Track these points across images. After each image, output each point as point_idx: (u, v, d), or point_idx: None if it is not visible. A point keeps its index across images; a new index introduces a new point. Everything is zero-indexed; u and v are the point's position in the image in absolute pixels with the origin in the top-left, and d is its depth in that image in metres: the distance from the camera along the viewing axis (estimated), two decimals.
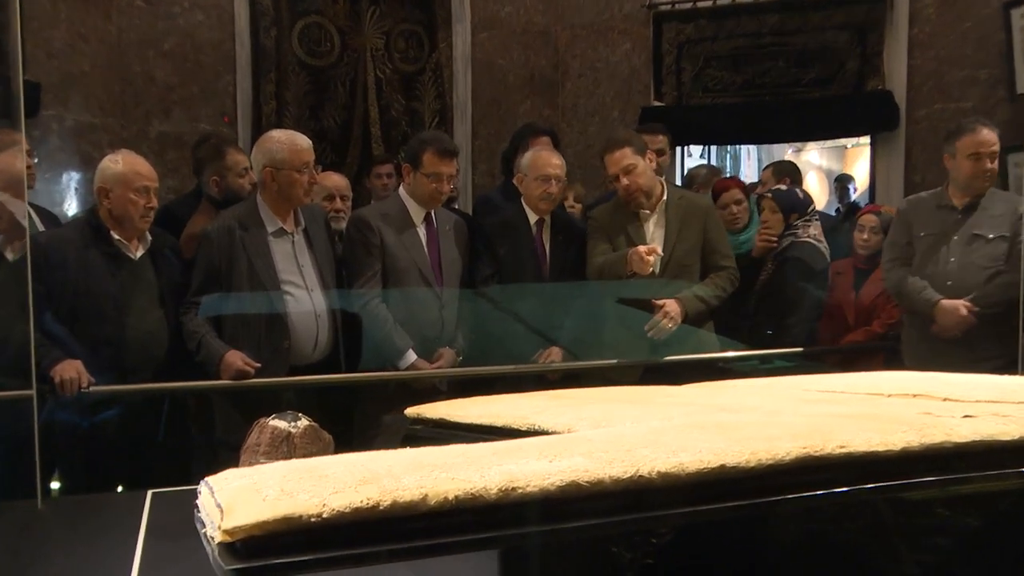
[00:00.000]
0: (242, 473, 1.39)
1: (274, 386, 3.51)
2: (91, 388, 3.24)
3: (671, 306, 3.76)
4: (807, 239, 4.22)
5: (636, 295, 3.84)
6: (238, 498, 1.23)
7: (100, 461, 3.39)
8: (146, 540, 2.17)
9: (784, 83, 6.15)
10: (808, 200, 4.40)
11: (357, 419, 3.77)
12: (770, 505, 1.42)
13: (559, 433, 1.82)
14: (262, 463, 1.97)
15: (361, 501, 1.21)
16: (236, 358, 3.41)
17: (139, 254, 3.49)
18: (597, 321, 3.95)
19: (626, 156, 3.84)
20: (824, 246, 4.29)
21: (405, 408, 3.57)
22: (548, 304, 3.94)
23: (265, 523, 1.17)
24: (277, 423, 2.33)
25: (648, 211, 3.90)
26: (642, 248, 3.66)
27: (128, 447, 3.45)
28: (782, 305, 4.15)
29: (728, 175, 5.58)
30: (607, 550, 1.52)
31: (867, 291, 4.41)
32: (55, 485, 3.20)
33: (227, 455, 3.47)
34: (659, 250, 3.70)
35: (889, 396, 2.13)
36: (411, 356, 3.67)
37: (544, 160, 3.92)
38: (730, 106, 6.25)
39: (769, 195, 4.34)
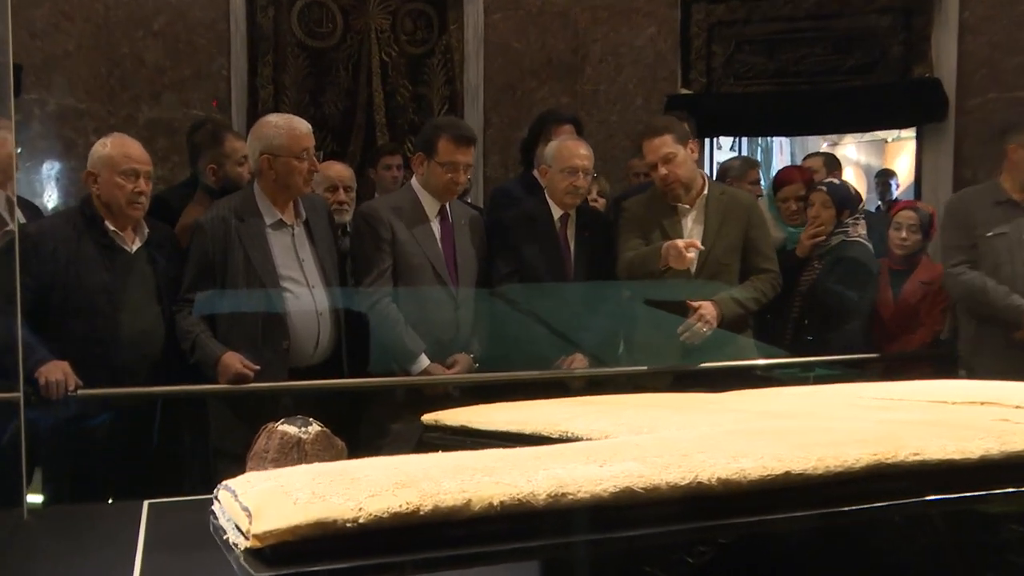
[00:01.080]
0: (266, 476, 1.38)
1: (274, 390, 3.50)
2: (79, 392, 3.23)
3: (707, 308, 3.75)
4: (858, 238, 4.20)
5: (668, 296, 3.83)
6: (267, 501, 1.23)
7: (86, 470, 3.39)
8: (145, 553, 2.16)
9: (822, 70, 6.13)
10: (859, 196, 4.39)
11: (363, 427, 3.76)
12: (839, 516, 1.41)
13: (597, 440, 1.81)
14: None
15: (400, 505, 1.21)
16: (234, 360, 3.40)
17: (135, 247, 3.49)
18: (625, 324, 3.94)
19: (666, 144, 3.83)
20: (871, 246, 4.28)
21: (415, 416, 3.61)
22: (572, 305, 3.93)
23: (297, 527, 1.17)
24: (286, 428, 2.32)
25: (687, 205, 3.89)
26: (680, 242, 3.65)
27: (116, 455, 3.45)
28: (832, 309, 4.12)
29: (790, 164, 5.49)
30: (640, 570, 1.51)
31: (908, 294, 4.37)
32: (34, 498, 3.19)
33: (223, 464, 3.50)
34: (699, 244, 3.68)
35: (953, 404, 2.12)
36: (424, 361, 3.66)
37: (571, 150, 3.91)
38: (763, 95, 6.23)
39: (823, 188, 4.30)
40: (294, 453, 2.29)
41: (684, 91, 6.29)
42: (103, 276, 3.41)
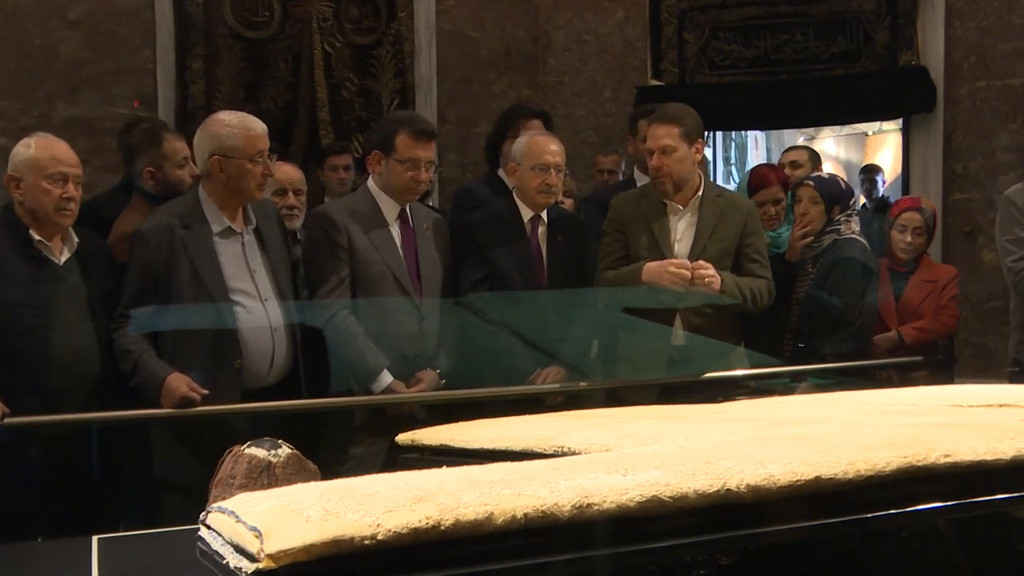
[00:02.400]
0: (266, 495, 1.42)
1: (223, 413, 3.50)
2: (5, 420, 3.21)
3: (712, 269, 3.82)
4: (852, 235, 4.30)
5: (650, 304, 3.90)
6: (276, 520, 1.26)
7: (14, 507, 3.36)
8: None
9: (803, 58, 6.31)
10: (851, 190, 4.48)
11: (322, 452, 3.77)
12: (871, 521, 1.49)
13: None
14: None
15: (420, 521, 1.26)
16: (180, 382, 3.38)
17: (64, 258, 3.47)
18: (604, 333, 4.00)
19: (671, 135, 3.91)
20: (866, 242, 4.38)
21: (377, 438, 3.65)
22: (546, 314, 3.99)
23: (312, 546, 1.21)
24: (254, 451, 2.34)
25: (679, 205, 3.97)
26: (668, 262, 3.78)
27: (48, 489, 3.42)
28: (831, 315, 4.20)
29: (762, 164, 5.56)
30: None
31: (910, 295, 4.52)
32: None
33: (168, 496, 3.50)
34: (688, 266, 3.80)
35: (970, 407, 2.21)
36: (387, 378, 3.68)
37: (541, 146, 3.98)
38: (740, 85, 6.38)
39: (810, 182, 4.39)
40: (264, 478, 2.31)
41: (655, 82, 6.41)
42: (29, 290, 3.38)
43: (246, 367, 3.52)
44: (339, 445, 3.78)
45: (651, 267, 3.86)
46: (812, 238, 4.28)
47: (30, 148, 3.43)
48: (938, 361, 4.61)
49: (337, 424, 3.81)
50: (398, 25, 6.30)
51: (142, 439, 3.62)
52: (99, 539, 2.53)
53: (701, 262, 3.83)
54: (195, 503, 3.20)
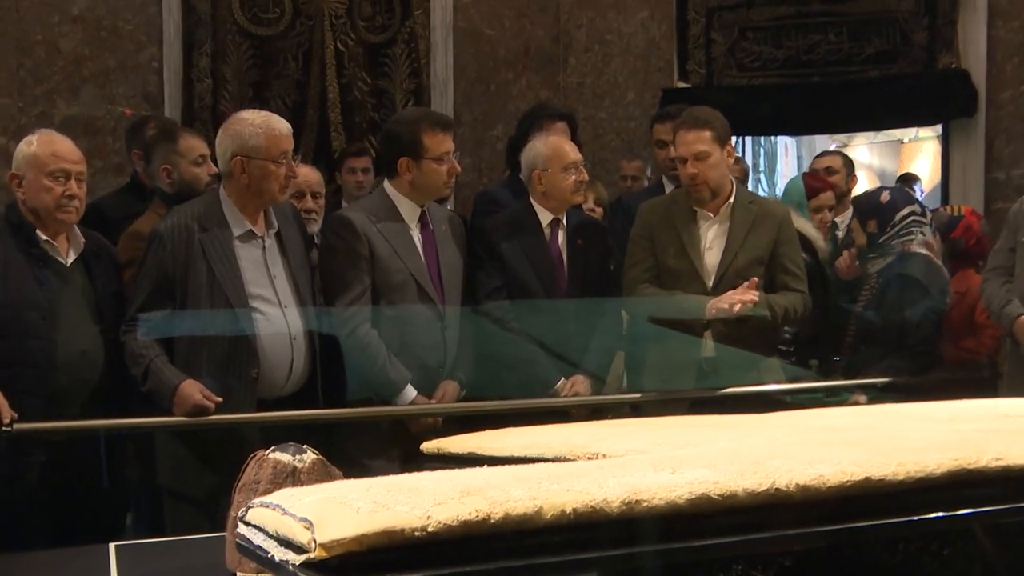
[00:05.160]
0: (311, 490, 1.49)
1: (235, 423, 3.56)
2: (15, 426, 3.27)
3: (752, 285, 3.86)
4: (917, 251, 4.36)
5: (678, 314, 3.96)
6: (327, 511, 1.33)
7: (18, 515, 3.42)
8: None
9: (836, 60, 6.36)
10: (892, 204, 4.49)
11: (337, 464, 3.83)
12: (922, 524, 1.55)
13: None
14: None
15: (469, 513, 1.33)
16: (194, 389, 3.43)
17: (71, 258, 3.55)
18: (630, 343, 4.06)
19: (702, 140, 3.96)
20: (935, 255, 4.44)
21: (396, 451, 3.70)
22: (568, 322, 4.05)
23: (364, 537, 1.28)
24: (279, 456, 2.43)
25: (710, 213, 4.03)
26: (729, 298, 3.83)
27: (53, 497, 3.48)
28: (886, 333, 4.28)
29: (809, 171, 5.71)
30: None
31: (958, 309, 4.58)
32: None
33: (177, 505, 3.56)
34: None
35: (1017, 416, 2.28)
36: (410, 392, 3.73)
37: (567, 146, 4.09)
38: (770, 88, 6.44)
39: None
40: (288, 483, 2.39)
41: (681, 84, 6.47)
42: (35, 291, 3.45)
43: (263, 376, 3.55)
44: (355, 458, 3.83)
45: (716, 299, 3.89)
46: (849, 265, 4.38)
47: (31, 145, 3.51)
48: (982, 378, 4.65)
49: (353, 435, 3.86)
50: (413, 23, 6.38)
51: (150, 447, 3.68)
52: (116, 546, 2.61)
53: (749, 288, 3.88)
54: (205, 513, 3.30)
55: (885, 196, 4.54)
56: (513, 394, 3.93)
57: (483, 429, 3.03)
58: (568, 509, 1.37)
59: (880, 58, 6.27)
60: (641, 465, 1.54)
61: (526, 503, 1.36)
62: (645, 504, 1.41)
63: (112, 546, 2.60)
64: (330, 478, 2.45)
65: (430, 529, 1.30)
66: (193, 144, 4.03)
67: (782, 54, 6.41)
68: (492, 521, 1.33)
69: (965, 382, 4.57)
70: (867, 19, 6.25)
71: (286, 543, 1.39)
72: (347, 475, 3.74)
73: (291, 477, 2.40)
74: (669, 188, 4.59)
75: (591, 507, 1.38)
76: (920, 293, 4.33)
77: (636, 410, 4.04)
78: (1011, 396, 3.98)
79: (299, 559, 1.33)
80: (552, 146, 4.10)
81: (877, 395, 4.20)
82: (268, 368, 3.57)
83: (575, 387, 3.98)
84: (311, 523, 1.32)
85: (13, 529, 3.35)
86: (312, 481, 2.40)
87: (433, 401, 3.80)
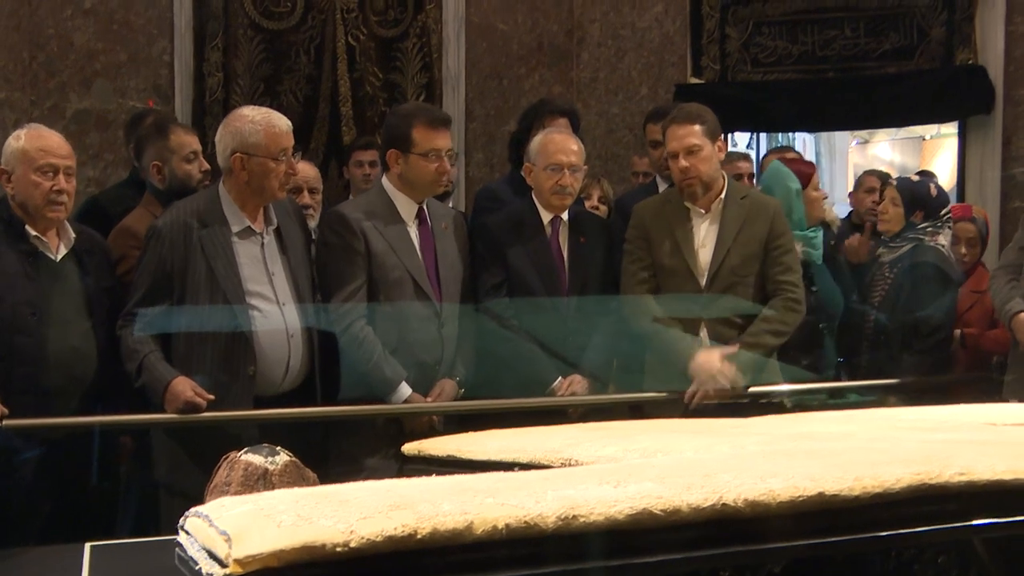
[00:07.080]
0: (243, 499, 1.45)
1: (233, 421, 3.54)
2: (4, 422, 3.26)
3: (716, 367, 3.81)
4: (935, 245, 4.33)
5: (674, 313, 3.91)
6: (247, 525, 1.29)
7: (11, 511, 3.41)
8: None
9: (852, 55, 6.27)
10: (942, 198, 4.46)
11: (333, 462, 3.81)
12: (878, 541, 1.49)
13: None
14: None
15: (395, 528, 1.28)
16: (185, 386, 3.42)
17: (61, 254, 3.53)
18: (630, 342, 4.01)
19: (693, 134, 3.91)
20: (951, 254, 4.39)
21: (392, 449, 3.67)
22: (568, 321, 4.00)
23: (282, 552, 1.24)
24: (251, 458, 2.38)
25: (702, 210, 3.97)
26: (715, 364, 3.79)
27: (46, 494, 3.48)
28: (910, 324, 4.23)
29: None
30: None
31: (959, 304, 4.50)
32: None
33: (171, 502, 3.54)
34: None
35: (1003, 425, 2.21)
36: (405, 390, 3.70)
37: (557, 145, 3.99)
38: (785, 83, 6.36)
39: (893, 182, 4.46)
40: (259, 486, 2.35)
41: (695, 80, 6.40)
42: (25, 286, 3.43)
43: (260, 373, 3.53)
44: (351, 456, 3.81)
45: (701, 363, 3.84)
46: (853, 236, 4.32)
47: (20, 140, 3.49)
48: (989, 379, 4.57)
49: (349, 433, 3.83)
50: (425, 17, 6.34)
51: (144, 445, 3.67)
52: (92, 546, 2.59)
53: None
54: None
55: (933, 189, 4.50)
56: (511, 393, 3.89)
57: (481, 428, 3.01)
58: (500, 524, 1.32)
59: (897, 54, 6.18)
60: (587, 477, 1.49)
61: (456, 518, 1.31)
62: (583, 519, 1.35)
63: (87, 546, 2.57)
64: (304, 481, 2.40)
65: (353, 545, 1.26)
66: (185, 140, 4.00)
67: (797, 49, 6.33)
68: (419, 536, 1.28)
69: (976, 382, 4.52)
70: (884, 14, 6.16)
71: (212, 556, 1.35)
72: (343, 473, 3.76)
73: (263, 480, 2.35)
74: (663, 188, 4.52)
75: (524, 523, 1.33)
76: (939, 283, 4.30)
77: (634, 410, 3.99)
78: (1015, 394, 3.95)
79: (221, 573, 1.29)
80: (545, 142, 4.03)
81: (883, 396, 4.15)
82: (265, 365, 3.55)
83: (572, 387, 3.94)
84: (229, 537, 1.28)
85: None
86: (284, 484, 2.35)
87: (430, 399, 3.77)
